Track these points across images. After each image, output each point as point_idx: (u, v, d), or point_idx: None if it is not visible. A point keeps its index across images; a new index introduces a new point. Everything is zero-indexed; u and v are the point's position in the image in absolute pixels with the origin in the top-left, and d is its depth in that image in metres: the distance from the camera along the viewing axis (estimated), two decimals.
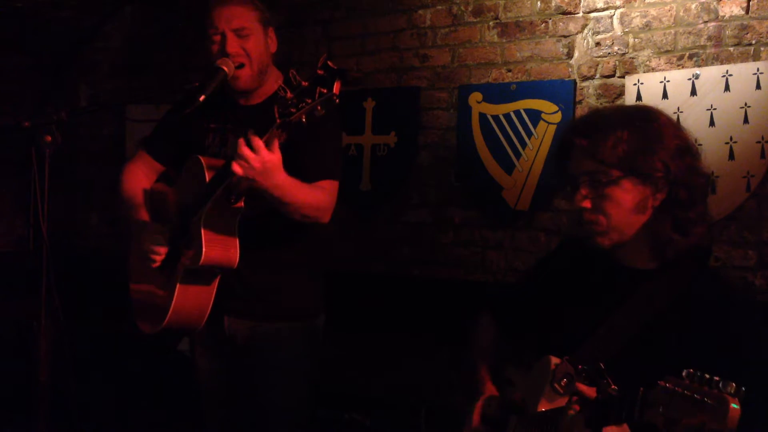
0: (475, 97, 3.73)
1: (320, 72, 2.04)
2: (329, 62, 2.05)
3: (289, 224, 2.44)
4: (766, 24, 3.05)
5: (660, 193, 1.74)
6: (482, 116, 3.71)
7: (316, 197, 2.38)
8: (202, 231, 2.34)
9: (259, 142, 2.12)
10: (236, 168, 2.14)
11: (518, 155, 3.61)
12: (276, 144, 2.16)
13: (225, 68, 2.45)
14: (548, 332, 1.90)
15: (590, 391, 1.68)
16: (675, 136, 1.77)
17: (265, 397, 2.57)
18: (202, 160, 2.41)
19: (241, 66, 2.45)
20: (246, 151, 2.12)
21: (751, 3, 3.08)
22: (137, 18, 4.89)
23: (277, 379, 2.56)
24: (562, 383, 1.72)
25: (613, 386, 1.62)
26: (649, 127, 1.76)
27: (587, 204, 1.76)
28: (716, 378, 1.34)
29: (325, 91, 2.02)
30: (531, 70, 3.60)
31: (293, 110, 2.06)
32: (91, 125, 4.91)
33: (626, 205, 1.74)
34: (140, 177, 2.66)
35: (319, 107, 2.04)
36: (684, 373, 1.38)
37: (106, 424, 3.90)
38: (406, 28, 3.95)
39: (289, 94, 2.07)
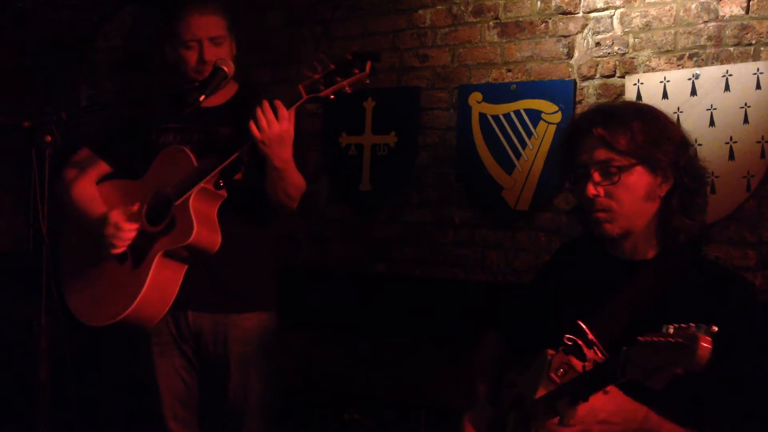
0: (475, 97, 3.72)
1: (349, 57, 2.31)
2: (358, 50, 2.33)
3: (256, 218, 2.58)
4: (766, 24, 3.05)
5: (666, 183, 1.81)
6: (482, 116, 3.71)
7: (301, 180, 2.52)
8: (192, 211, 2.40)
9: (284, 111, 2.32)
10: (254, 130, 2.30)
11: (518, 155, 3.61)
12: (293, 120, 2.35)
13: (225, 68, 2.49)
14: (548, 331, 1.91)
15: (579, 365, 1.71)
16: (677, 129, 1.87)
17: (236, 390, 2.59)
18: (186, 149, 2.50)
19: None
20: (270, 115, 2.30)
21: (751, 3, 3.08)
22: (137, 18, 4.89)
23: (249, 371, 2.58)
24: (559, 373, 1.74)
25: (600, 355, 1.67)
26: (658, 120, 1.84)
27: (600, 191, 1.80)
28: (692, 324, 1.40)
29: (357, 71, 2.29)
30: (531, 70, 3.60)
31: (322, 87, 2.31)
32: (91, 125, 4.90)
33: (638, 192, 1.80)
34: (88, 173, 2.67)
35: (348, 87, 2.31)
36: (663, 328, 1.44)
37: (106, 424, 3.90)
38: (406, 28, 3.95)
39: (316, 75, 2.33)
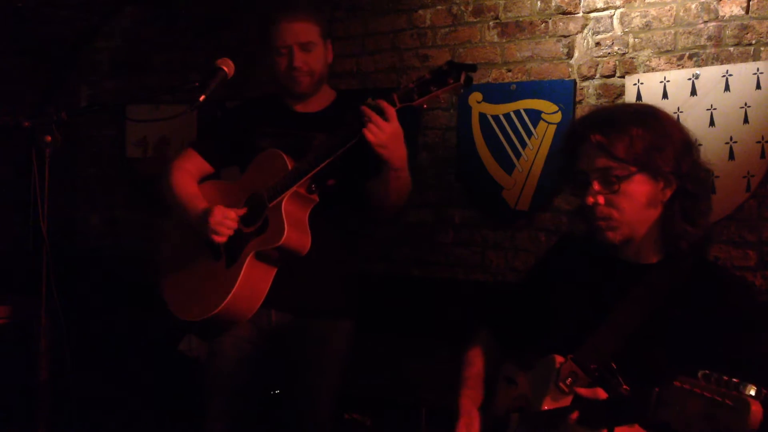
0: (475, 97, 3.72)
1: (444, 68, 2.28)
2: (454, 60, 2.30)
3: (345, 223, 2.63)
4: (766, 24, 3.05)
5: (668, 188, 1.78)
6: (482, 116, 3.71)
7: (410, 179, 2.51)
8: (284, 213, 2.44)
9: (390, 110, 2.31)
10: (369, 136, 2.29)
11: (518, 155, 3.61)
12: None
13: (225, 68, 2.48)
14: (550, 331, 1.90)
15: (590, 393, 1.68)
16: (680, 132, 1.81)
17: (305, 392, 2.59)
18: (282, 153, 2.52)
19: (308, 74, 2.61)
20: (377, 117, 2.30)
21: (751, 3, 3.08)
22: (137, 18, 4.89)
23: (319, 376, 2.60)
24: (567, 382, 1.72)
25: (624, 386, 1.63)
26: (659, 124, 1.80)
27: (600, 199, 1.78)
28: (735, 380, 1.34)
29: (451, 81, 2.26)
30: (531, 70, 3.60)
31: (416, 96, 2.30)
32: (91, 125, 4.91)
33: (640, 199, 1.77)
34: (191, 173, 2.72)
35: (441, 96, 2.30)
36: (700, 375, 1.38)
37: (106, 424, 3.90)
38: (406, 28, 3.95)
39: (411, 84, 2.32)
